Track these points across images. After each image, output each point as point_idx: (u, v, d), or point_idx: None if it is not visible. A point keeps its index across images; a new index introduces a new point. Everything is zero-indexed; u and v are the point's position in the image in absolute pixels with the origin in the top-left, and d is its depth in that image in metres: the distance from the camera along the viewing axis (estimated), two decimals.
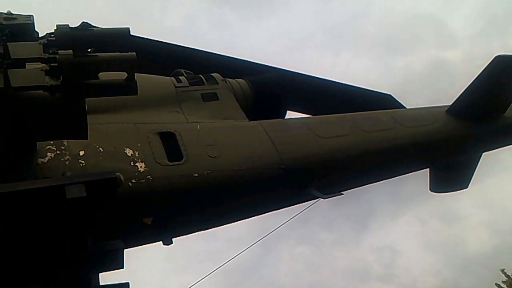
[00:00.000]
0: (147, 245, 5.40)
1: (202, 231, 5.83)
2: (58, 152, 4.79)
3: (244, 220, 6.03)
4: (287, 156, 5.69)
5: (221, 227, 5.94)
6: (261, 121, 6.02)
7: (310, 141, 5.96)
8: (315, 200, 6.34)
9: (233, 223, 6.01)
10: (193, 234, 5.78)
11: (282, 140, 5.79)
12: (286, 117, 6.67)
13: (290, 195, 5.94)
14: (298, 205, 6.36)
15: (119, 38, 4.07)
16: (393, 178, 7.02)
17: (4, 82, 3.84)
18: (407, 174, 7.19)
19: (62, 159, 4.77)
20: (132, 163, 4.97)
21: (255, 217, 6.06)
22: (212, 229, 5.92)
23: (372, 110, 7.01)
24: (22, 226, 4.12)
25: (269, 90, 6.50)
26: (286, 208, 6.28)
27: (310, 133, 6.04)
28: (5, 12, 4.25)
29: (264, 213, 6.10)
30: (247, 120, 6.01)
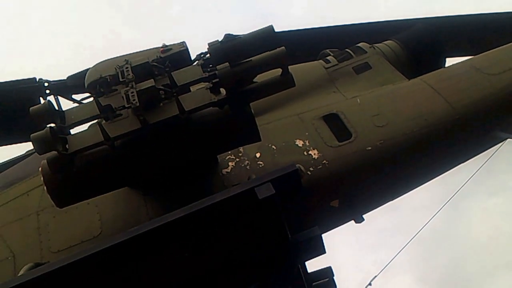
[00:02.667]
0: (340, 226, 5.49)
1: (388, 203, 5.75)
2: (237, 159, 5.11)
3: (425, 185, 5.81)
4: (460, 104, 5.32)
5: (403, 197, 5.79)
6: (421, 76, 5.72)
7: (481, 82, 5.50)
8: (501, 143, 5.87)
9: (416, 189, 5.83)
10: (377, 209, 5.72)
11: (450, 90, 5.44)
12: (446, 65, 6.28)
13: (473, 144, 5.56)
14: (477, 156, 5.93)
15: (266, 38, 4.21)
16: None
17: (178, 109, 4.20)
18: None
19: (242, 165, 5.08)
20: (305, 153, 5.10)
21: (436, 179, 5.80)
22: (397, 199, 5.80)
23: None
24: (226, 235, 4.48)
25: (420, 42, 6.18)
26: (467, 163, 5.90)
27: (478, 74, 5.58)
28: (161, 46, 4.65)
29: (448, 170, 5.79)
30: (407, 79, 5.78)
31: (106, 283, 4.38)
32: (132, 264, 4.39)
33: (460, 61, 6.25)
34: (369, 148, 5.11)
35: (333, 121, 5.32)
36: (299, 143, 5.16)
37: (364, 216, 5.40)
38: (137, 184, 4.97)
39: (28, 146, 6.04)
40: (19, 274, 4.41)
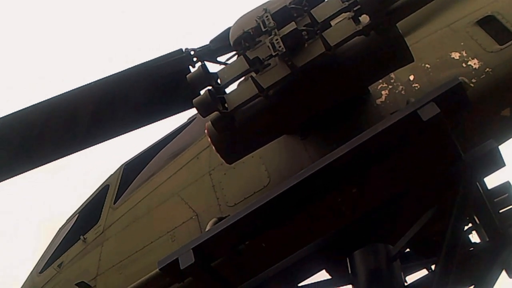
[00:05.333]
0: None
1: None
2: (390, 86, 4.91)
3: None
4: None
5: None
6: None
7: None
8: None
9: None
10: None
11: None
12: None
13: None
14: None
15: None
16: None
17: (324, 46, 4.14)
18: None
19: (397, 91, 4.88)
20: (464, 64, 4.73)
21: None
22: None
23: None
24: (395, 164, 4.38)
25: None
26: None
27: None
28: None
29: None
30: None
31: (284, 226, 4.59)
32: (304, 206, 4.53)
33: None
34: None
35: (490, 24, 4.84)
36: (455, 55, 4.80)
37: None
38: (294, 130, 5.06)
39: (188, 114, 6.43)
40: (206, 230, 4.80)
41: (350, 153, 4.21)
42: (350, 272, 4.76)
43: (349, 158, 4.24)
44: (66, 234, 6.73)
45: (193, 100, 4.34)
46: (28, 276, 6.81)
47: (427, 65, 4.84)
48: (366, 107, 4.95)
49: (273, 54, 4.16)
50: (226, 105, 4.39)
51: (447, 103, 4.00)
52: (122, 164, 6.71)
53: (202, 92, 4.43)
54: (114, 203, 6.29)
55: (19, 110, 5.19)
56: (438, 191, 4.56)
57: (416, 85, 4.82)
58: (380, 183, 4.55)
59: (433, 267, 5.10)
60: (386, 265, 4.61)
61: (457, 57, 4.77)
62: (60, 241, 6.75)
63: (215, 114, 4.42)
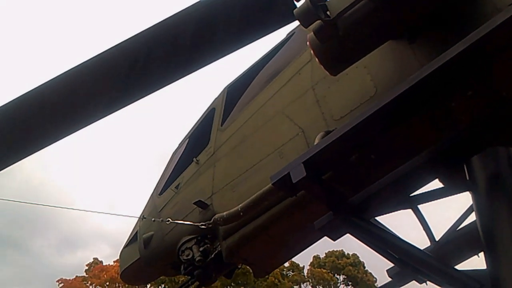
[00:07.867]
0: None
1: None
2: None
3: None
4: None
5: None
6: None
7: None
8: None
9: None
10: None
11: None
12: None
13: None
14: None
15: None
16: None
17: None
18: None
19: None
20: None
21: None
22: None
23: None
24: None
25: None
26: None
27: None
28: None
29: None
30: None
31: (393, 136, 4.45)
32: (416, 114, 4.33)
33: None
34: None
35: None
36: None
37: None
38: (401, 33, 4.77)
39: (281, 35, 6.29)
40: (315, 144, 4.79)
41: (465, 52, 3.89)
42: (468, 178, 4.56)
43: (464, 58, 3.93)
44: (180, 157, 7.08)
45: (294, 11, 4.20)
46: (149, 198, 7.32)
47: None
48: (479, 1, 4.52)
49: None
50: (328, 12, 4.21)
51: None
52: (225, 87, 6.81)
53: (300, 3, 4.27)
54: (222, 125, 6.47)
55: (123, 41, 5.33)
56: None
57: None
58: (499, 83, 4.22)
59: None
60: (508, 169, 4.35)
61: None
62: (174, 164, 7.13)
63: (317, 23, 4.26)
